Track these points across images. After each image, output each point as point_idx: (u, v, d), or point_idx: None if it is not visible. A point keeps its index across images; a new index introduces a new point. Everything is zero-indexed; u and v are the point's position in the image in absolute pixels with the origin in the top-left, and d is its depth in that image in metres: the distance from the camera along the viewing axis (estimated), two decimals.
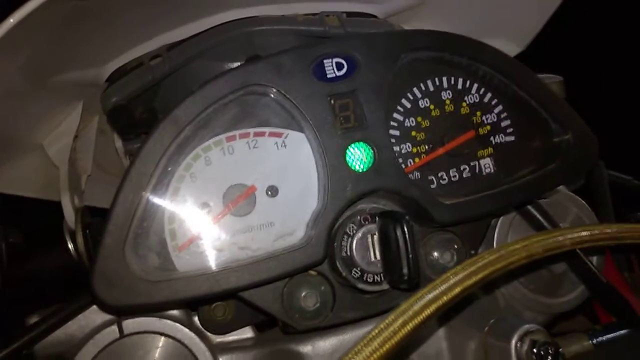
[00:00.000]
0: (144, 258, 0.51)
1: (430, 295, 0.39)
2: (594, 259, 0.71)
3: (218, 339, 0.63)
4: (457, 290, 0.40)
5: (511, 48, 0.82)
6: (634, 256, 0.77)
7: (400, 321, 0.37)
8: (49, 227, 0.71)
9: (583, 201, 0.72)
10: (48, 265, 0.69)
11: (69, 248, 0.65)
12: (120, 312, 0.57)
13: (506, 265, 0.43)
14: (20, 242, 0.72)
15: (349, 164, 0.56)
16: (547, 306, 0.70)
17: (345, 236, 0.57)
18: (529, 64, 0.67)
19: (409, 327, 0.37)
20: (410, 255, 0.52)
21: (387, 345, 0.36)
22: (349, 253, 0.57)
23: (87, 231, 0.65)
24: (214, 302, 0.60)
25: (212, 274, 0.52)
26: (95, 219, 0.68)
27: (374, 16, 0.74)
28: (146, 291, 0.49)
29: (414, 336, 0.38)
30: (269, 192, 0.55)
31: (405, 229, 0.52)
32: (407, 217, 0.53)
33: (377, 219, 0.57)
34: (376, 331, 0.37)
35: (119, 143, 0.78)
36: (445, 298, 0.39)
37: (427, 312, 0.38)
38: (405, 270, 0.51)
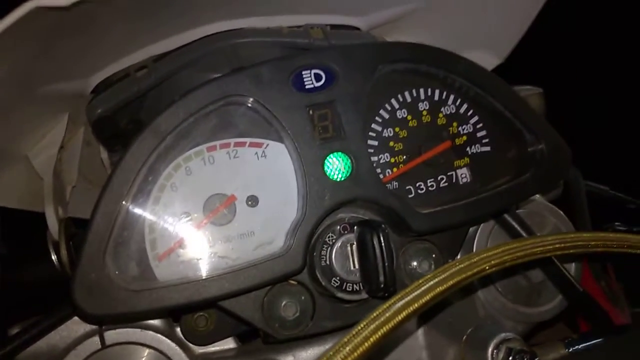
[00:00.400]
0: (125, 267, 0.52)
1: (402, 302, 0.40)
2: (572, 268, 0.72)
3: (200, 350, 0.63)
4: (428, 297, 0.41)
5: (491, 59, 0.83)
6: (609, 265, 0.79)
7: (371, 327, 0.38)
8: (33, 238, 0.71)
9: (561, 211, 0.73)
10: (32, 277, 0.69)
11: (52, 259, 0.65)
12: (101, 322, 0.57)
13: (478, 272, 0.44)
14: (4, 253, 0.72)
15: (328, 174, 0.57)
16: (527, 315, 0.70)
17: (325, 245, 0.58)
18: (509, 76, 0.69)
19: (380, 333, 0.38)
20: (387, 264, 0.52)
21: (358, 352, 0.37)
22: (328, 262, 0.58)
23: (71, 242, 0.65)
24: (195, 312, 0.60)
25: (193, 283, 0.52)
26: (79, 230, 0.69)
27: (357, 29, 0.75)
28: (126, 300, 0.50)
29: (384, 342, 0.39)
30: (249, 202, 0.56)
31: (382, 238, 0.53)
32: (383, 226, 0.54)
33: (355, 228, 0.58)
34: (347, 338, 0.37)
35: (104, 154, 0.78)
36: (416, 305, 0.40)
37: (399, 318, 0.39)
38: (381, 279, 0.52)
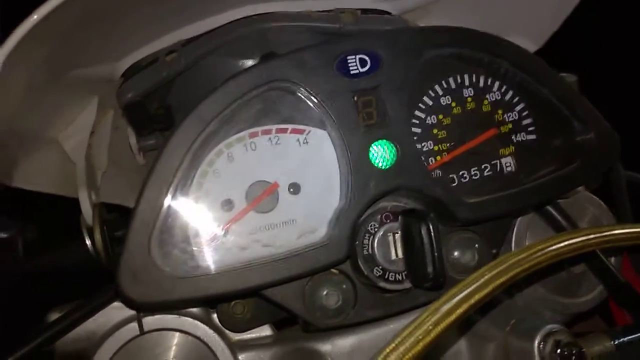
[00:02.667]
0: (169, 254, 0.51)
1: (463, 294, 0.39)
2: (612, 259, 0.71)
3: (237, 336, 0.63)
4: (489, 289, 0.40)
5: (527, 46, 0.81)
6: None
7: (433, 319, 0.37)
8: (66, 223, 0.71)
9: (601, 202, 0.72)
10: (65, 262, 0.69)
11: (86, 244, 0.65)
12: (146, 308, 0.57)
13: (535, 264, 0.43)
14: (37, 238, 0.72)
15: (372, 162, 0.56)
16: (566, 306, 0.70)
17: (367, 234, 0.57)
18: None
19: (441, 326, 0.37)
20: (436, 254, 0.51)
21: (420, 345, 0.36)
22: (370, 251, 0.57)
23: (104, 227, 0.65)
24: (236, 300, 0.59)
25: (237, 271, 0.51)
26: (112, 215, 0.68)
27: (388, 13, 0.74)
28: (171, 287, 0.49)
29: (444, 336, 0.38)
30: (291, 189, 0.55)
31: (431, 228, 0.52)
32: (431, 215, 0.53)
33: (399, 217, 0.56)
34: (409, 330, 0.37)
35: (133, 139, 0.78)
36: (477, 297, 0.39)
37: (460, 310, 0.38)
38: (430, 269, 0.51)
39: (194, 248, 0.52)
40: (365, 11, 0.71)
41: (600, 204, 0.72)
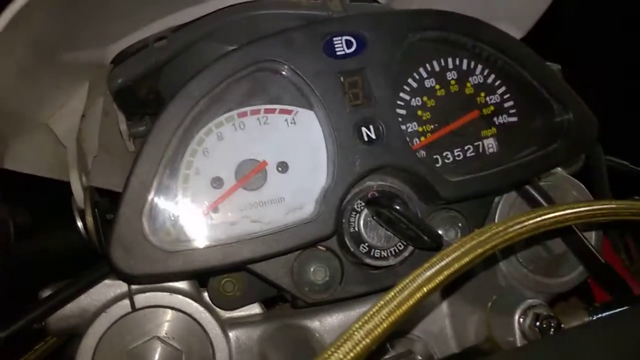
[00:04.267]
0: (160, 229, 0.52)
1: (443, 262, 0.40)
2: (592, 240, 0.72)
3: (227, 314, 0.64)
4: (468, 258, 0.41)
5: (513, 33, 0.83)
6: (630, 239, 0.79)
7: (415, 284, 0.38)
8: (56, 206, 0.71)
9: (582, 184, 0.74)
10: (57, 244, 0.70)
11: (78, 226, 0.66)
12: (137, 281, 0.58)
13: (515, 235, 0.45)
14: (28, 221, 0.73)
15: (358, 141, 0.57)
16: (547, 286, 0.71)
17: (354, 213, 0.59)
18: None
19: (418, 295, 0.38)
20: (421, 227, 0.53)
21: (402, 309, 0.37)
22: (357, 229, 0.58)
23: (96, 210, 0.66)
24: (227, 273, 0.60)
25: (226, 245, 0.53)
26: (103, 198, 0.69)
27: (376, 1, 0.75)
28: (162, 260, 0.51)
29: (421, 305, 0.39)
30: (280, 168, 0.57)
31: (401, 210, 0.54)
32: (398, 200, 0.55)
33: (366, 208, 0.58)
34: (392, 294, 0.38)
35: (123, 125, 0.79)
36: (457, 265, 0.40)
37: (440, 278, 0.39)
38: (425, 238, 0.53)
39: (184, 223, 0.53)
40: None
41: (582, 187, 0.74)
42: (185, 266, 0.51)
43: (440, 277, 0.39)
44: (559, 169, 0.75)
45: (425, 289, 0.40)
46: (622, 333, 0.45)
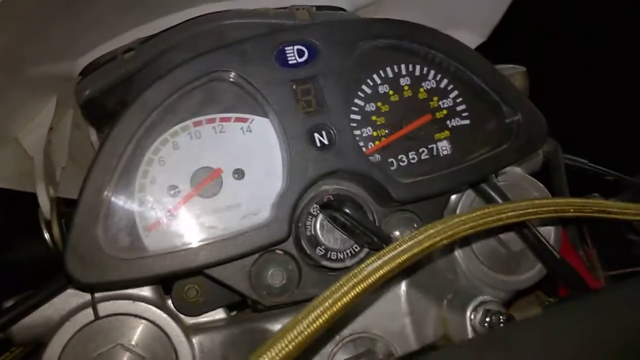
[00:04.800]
0: (115, 237, 0.54)
1: (379, 262, 0.42)
2: (551, 237, 0.74)
3: (191, 320, 0.65)
4: (405, 256, 0.43)
5: (474, 38, 0.85)
6: (587, 235, 0.81)
7: (350, 284, 0.40)
8: (23, 218, 0.72)
9: (540, 184, 0.76)
10: (24, 255, 0.70)
11: (44, 237, 0.67)
12: (94, 289, 0.59)
13: (454, 234, 0.47)
14: None
15: (311, 147, 0.59)
16: (507, 283, 0.72)
17: (310, 216, 0.60)
18: (494, 55, 0.71)
19: (357, 289, 0.40)
20: (371, 229, 0.54)
21: (336, 307, 0.39)
22: (313, 232, 0.60)
23: (62, 220, 0.67)
24: (185, 278, 0.62)
25: (181, 251, 0.54)
26: (69, 209, 0.70)
27: (343, 9, 0.77)
28: (118, 269, 0.52)
29: (361, 298, 0.41)
30: (236, 175, 0.58)
31: (350, 213, 0.55)
32: (348, 202, 0.57)
33: (320, 211, 0.60)
34: (328, 292, 0.40)
35: (94, 136, 0.80)
36: (393, 264, 0.42)
37: (376, 275, 0.41)
38: (375, 239, 0.54)
39: (140, 231, 0.55)
40: (320, 7, 0.74)
41: (540, 186, 0.76)
42: (141, 273, 0.52)
43: (378, 274, 0.41)
44: (518, 168, 0.77)
45: (359, 288, 0.41)
46: (566, 323, 0.47)
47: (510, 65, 0.85)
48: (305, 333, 0.38)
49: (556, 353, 0.43)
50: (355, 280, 0.40)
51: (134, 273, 0.52)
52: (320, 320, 0.38)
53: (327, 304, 0.39)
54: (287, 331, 0.38)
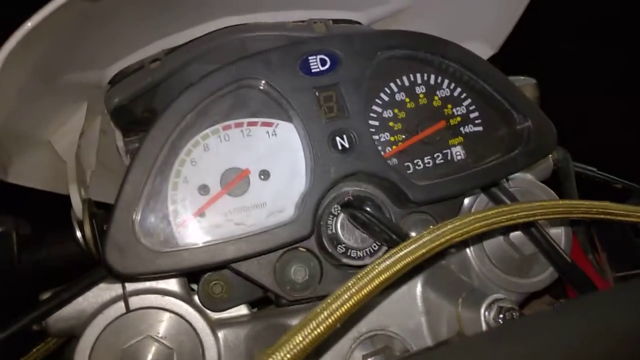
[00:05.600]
0: (151, 232, 0.57)
1: (397, 256, 0.45)
2: (562, 241, 0.77)
3: (216, 315, 0.68)
4: (424, 250, 0.46)
5: (486, 50, 0.89)
6: (596, 238, 0.84)
7: (368, 277, 0.43)
8: (56, 218, 0.76)
9: (551, 190, 0.79)
10: (58, 255, 0.74)
11: (77, 236, 0.70)
12: (130, 279, 0.62)
13: (468, 231, 0.50)
14: (29, 233, 0.77)
15: (333, 150, 0.62)
16: (519, 286, 0.75)
17: (331, 216, 0.64)
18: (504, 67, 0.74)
19: (377, 281, 0.43)
20: (390, 226, 0.58)
21: (355, 298, 0.42)
22: (334, 231, 0.63)
23: (94, 220, 0.70)
24: (215, 276, 0.65)
25: (211, 246, 0.58)
26: (99, 210, 0.74)
27: (359, 23, 0.81)
28: (153, 261, 0.55)
29: (378, 291, 0.43)
30: (262, 176, 0.62)
31: (370, 211, 0.58)
32: (368, 202, 0.60)
33: (341, 210, 0.63)
34: (354, 280, 0.43)
35: (120, 142, 0.84)
36: (412, 257, 0.45)
37: (394, 269, 0.44)
38: (393, 236, 0.57)
39: (174, 227, 0.58)
40: (337, 21, 0.78)
41: (551, 192, 0.78)
42: (175, 265, 0.56)
43: (394, 269, 0.44)
44: (530, 175, 0.80)
45: (381, 278, 0.44)
46: (578, 315, 0.49)
47: (522, 77, 0.88)
48: (324, 326, 0.40)
49: (568, 344, 0.45)
50: (373, 273, 0.43)
51: (168, 265, 0.55)
52: (338, 314, 0.41)
53: (345, 296, 0.41)
54: (304, 325, 0.40)
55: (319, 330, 0.40)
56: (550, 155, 0.84)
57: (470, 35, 0.86)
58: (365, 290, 0.43)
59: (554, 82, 0.98)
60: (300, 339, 0.39)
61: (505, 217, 0.52)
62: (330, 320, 0.40)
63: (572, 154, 0.89)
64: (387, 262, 0.44)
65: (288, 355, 0.38)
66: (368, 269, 0.44)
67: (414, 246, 0.46)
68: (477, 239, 0.73)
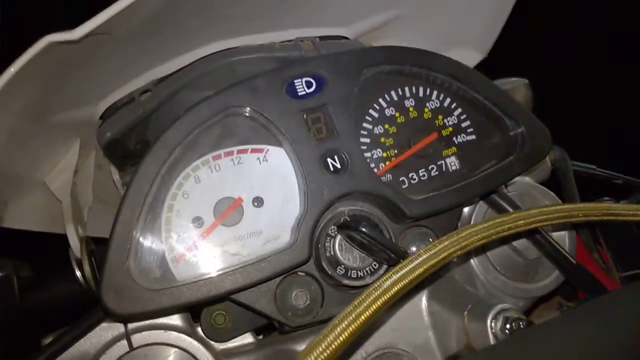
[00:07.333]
0: (146, 270, 0.57)
1: (398, 275, 0.44)
2: (566, 243, 0.76)
3: (221, 346, 0.67)
4: (422, 269, 0.45)
5: (474, 56, 0.89)
6: (600, 238, 0.83)
7: (370, 298, 0.42)
8: (55, 258, 0.76)
9: (551, 192, 0.78)
10: (59, 295, 0.74)
11: (76, 275, 0.70)
12: (128, 320, 0.62)
13: (467, 245, 0.49)
14: (29, 275, 0.77)
15: (325, 171, 0.62)
16: (526, 291, 0.74)
17: (328, 237, 0.63)
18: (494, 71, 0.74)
19: (378, 303, 0.42)
20: (387, 245, 0.57)
21: (360, 319, 0.41)
22: (332, 253, 0.63)
23: (92, 258, 0.70)
24: (214, 305, 0.64)
25: (209, 279, 0.57)
26: (98, 247, 0.73)
27: (346, 38, 0.81)
28: (150, 299, 0.55)
29: (381, 311, 0.43)
30: (255, 203, 0.61)
31: (367, 232, 0.58)
32: (364, 222, 0.60)
33: (338, 232, 0.62)
34: (356, 303, 0.42)
35: (116, 176, 0.84)
36: (413, 275, 0.44)
37: (396, 288, 0.43)
38: (392, 255, 0.57)
39: (169, 262, 0.58)
40: (323, 38, 0.78)
41: (550, 194, 0.77)
42: (172, 302, 0.55)
43: (396, 288, 0.43)
44: (528, 178, 0.79)
45: (390, 293, 0.43)
46: (585, 323, 0.48)
47: (513, 79, 0.88)
48: (330, 350, 0.40)
49: (575, 351, 0.44)
50: (375, 294, 0.43)
51: (166, 302, 0.55)
52: (343, 337, 0.41)
53: (349, 319, 0.41)
54: (311, 349, 0.40)
55: (326, 354, 0.39)
56: (547, 156, 0.83)
57: (459, 43, 0.86)
58: (371, 309, 0.43)
59: (544, 80, 0.97)
60: None
61: (505, 227, 0.52)
62: (336, 344, 0.40)
63: (569, 153, 0.88)
64: (390, 281, 0.44)
65: None
66: (373, 288, 0.44)
67: (414, 264, 0.45)
68: (479, 249, 0.72)
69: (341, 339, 0.40)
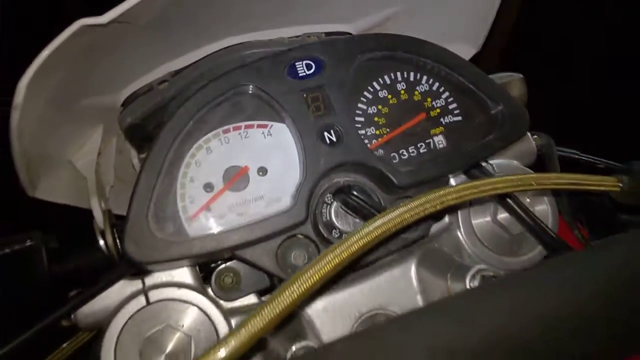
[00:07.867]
0: (163, 225, 0.64)
1: (371, 227, 0.51)
2: (549, 220, 0.82)
3: (229, 305, 0.74)
4: (397, 220, 0.52)
5: (469, 50, 0.96)
6: (581, 217, 0.88)
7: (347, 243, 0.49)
8: (77, 231, 0.83)
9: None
10: (84, 263, 0.81)
11: (100, 245, 0.77)
12: (146, 266, 0.68)
13: (442, 202, 0.55)
14: (57, 246, 0.84)
15: (321, 143, 0.69)
16: (510, 264, 0.79)
17: (325, 205, 0.70)
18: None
19: (354, 247, 0.49)
20: (376, 207, 0.64)
21: (351, 249, 0.48)
22: (328, 218, 0.69)
23: (114, 229, 0.77)
24: (222, 267, 0.71)
25: (217, 234, 0.64)
26: (119, 221, 0.81)
27: (349, 33, 0.88)
28: (166, 249, 0.62)
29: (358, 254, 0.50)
30: (260, 172, 0.69)
31: (359, 196, 0.65)
32: (355, 186, 0.67)
33: (334, 199, 0.69)
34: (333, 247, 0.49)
35: (135, 160, 0.91)
36: (385, 227, 0.51)
37: (371, 237, 0.50)
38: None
39: (183, 220, 0.65)
40: (329, 34, 0.86)
41: None
42: (186, 252, 0.62)
43: (374, 234, 0.50)
44: (515, 161, 0.85)
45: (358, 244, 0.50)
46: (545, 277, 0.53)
47: (508, 74, 0.94)
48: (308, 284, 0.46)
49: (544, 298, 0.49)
50: (349, 241, 0.49)
51: (180, 252, 0.62)
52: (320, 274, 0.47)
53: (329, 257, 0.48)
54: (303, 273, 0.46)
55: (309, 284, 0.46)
56: (534, 142, 0.89)
57: (455, 38, 0.93)
58: (347, 253, 0.49)
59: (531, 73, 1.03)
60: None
61: (478, 189, 0.58)
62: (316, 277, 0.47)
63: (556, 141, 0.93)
64: (365, 230, 0.50)
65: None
66: (348, 235, 0.50)
67: (390, 216, 0.52)
68: (468, 223, 0.78)
69: (320, 275, 0.46)
